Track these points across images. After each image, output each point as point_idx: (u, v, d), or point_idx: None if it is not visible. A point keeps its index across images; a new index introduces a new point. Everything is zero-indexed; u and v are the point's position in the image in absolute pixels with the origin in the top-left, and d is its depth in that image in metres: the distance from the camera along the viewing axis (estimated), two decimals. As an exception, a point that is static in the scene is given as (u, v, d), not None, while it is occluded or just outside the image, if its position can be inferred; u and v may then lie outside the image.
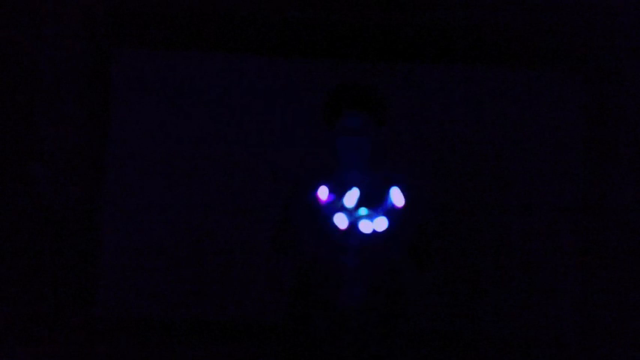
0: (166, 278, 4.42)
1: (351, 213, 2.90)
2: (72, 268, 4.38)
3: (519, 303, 4.42)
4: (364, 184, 3.01)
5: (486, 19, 4.46)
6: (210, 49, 4.48)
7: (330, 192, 2.95)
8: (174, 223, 4.43)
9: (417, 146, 4.44)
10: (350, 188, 2.92)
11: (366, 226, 2.88)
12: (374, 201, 2.97)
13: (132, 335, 4.40)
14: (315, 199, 2.90)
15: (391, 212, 2.91)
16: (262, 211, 4.37)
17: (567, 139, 4.47)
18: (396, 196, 2.89)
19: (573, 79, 4.47)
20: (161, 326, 4.41)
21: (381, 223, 2.89)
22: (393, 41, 4.47)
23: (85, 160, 4.43)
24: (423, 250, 3.10)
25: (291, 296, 3.08)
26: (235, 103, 4.48)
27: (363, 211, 2.91)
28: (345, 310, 2.98)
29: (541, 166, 4.46)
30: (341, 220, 2.89)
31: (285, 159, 4.41)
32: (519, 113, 4.47)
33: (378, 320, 3.01)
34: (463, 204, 4.44)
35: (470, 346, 4.40)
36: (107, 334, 4.40)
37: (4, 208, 4.38)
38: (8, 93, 4.41)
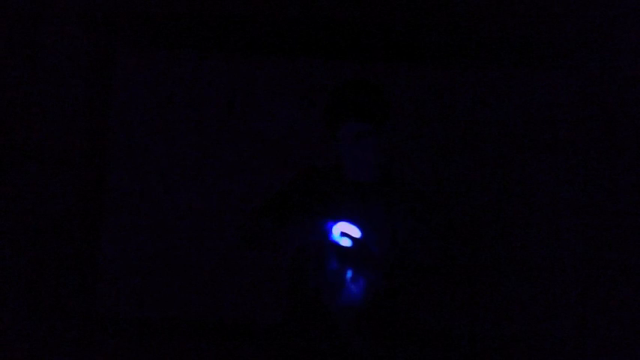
0: (166, 278, 4.42)
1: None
2: (72, 268, 4.38)
3: (519, 303, 4.42)
4: (373, 192, 3.00)
5: (486, 19, 4.46)
6: (211, 49, 4.48)
7: (333, 197, 2.95)
8: (174, 223, 4.43)
9: (416, 146, 4.44)
10: (357, 199, 2.92)
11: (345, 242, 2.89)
12: (382, 206, 2.97)
13: (132, 335, 4.40)
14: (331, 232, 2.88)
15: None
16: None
17: (567, 139, 4.47)
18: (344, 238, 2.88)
19: (572, 79, 4.47)
20: (161, 326, 4.41)
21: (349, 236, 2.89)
22: (393, 41, 4.47)
23: (84, 160, 4.43)
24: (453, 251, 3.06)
25: (289, 296, 3.08)
26: (236, 103, 4.48)
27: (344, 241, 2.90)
28: (343, 310, 2.98)
29: (541, 166, 4.46)
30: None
31: (285, 159, 4.41)
32: (519, 113, 4.47)
33: (376, 320, 3.01)
34: (463, 204, 4.43)
35: (469, 346, 4.39)
36: (107, 334, 4.39)
37: (3, 208, 4.38)
38: (7, 93, 4.41)
